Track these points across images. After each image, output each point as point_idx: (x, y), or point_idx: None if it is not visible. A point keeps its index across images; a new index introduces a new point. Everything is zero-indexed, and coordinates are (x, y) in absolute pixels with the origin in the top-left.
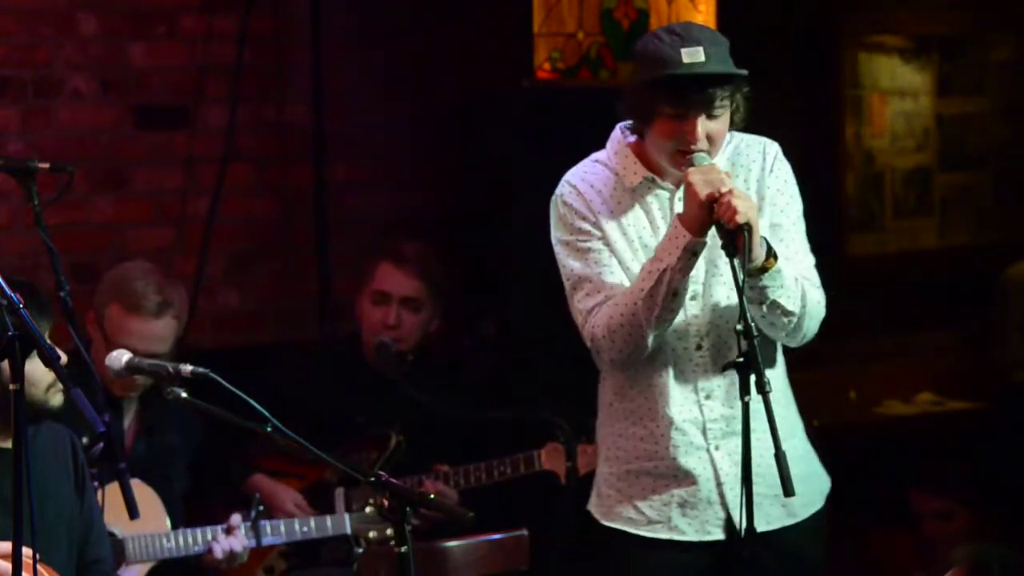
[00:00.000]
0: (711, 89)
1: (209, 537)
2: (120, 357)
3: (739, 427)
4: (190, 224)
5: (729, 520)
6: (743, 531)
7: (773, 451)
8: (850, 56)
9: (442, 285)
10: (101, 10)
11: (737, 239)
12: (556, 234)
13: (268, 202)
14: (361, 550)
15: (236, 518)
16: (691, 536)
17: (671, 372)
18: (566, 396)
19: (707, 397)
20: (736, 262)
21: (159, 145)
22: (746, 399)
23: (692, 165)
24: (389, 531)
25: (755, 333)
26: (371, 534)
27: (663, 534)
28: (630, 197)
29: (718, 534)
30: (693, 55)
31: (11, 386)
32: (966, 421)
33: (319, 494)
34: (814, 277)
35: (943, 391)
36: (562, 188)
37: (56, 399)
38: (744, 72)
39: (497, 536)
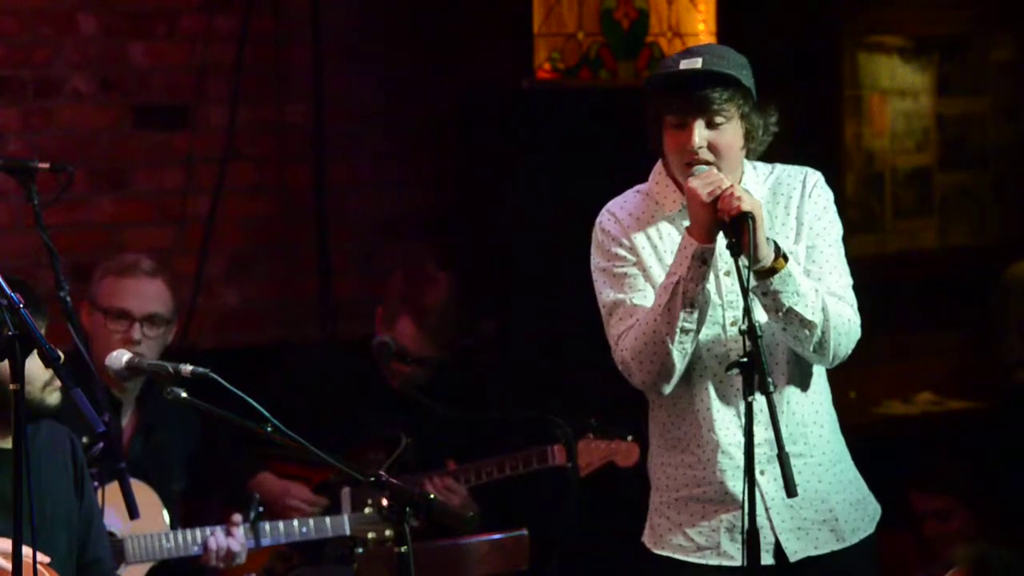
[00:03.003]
0: (704, 91)
1: (208, 536)
2: (120, 357)
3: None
4: (190, 224)
5: (778, 545)
6: (746, 533)
7: (786, 457)
8: (850, 56)
9: (455, 333)
10: (101, 10)
11: (742, 232)
12: (594, 261)
13: (268, 202)
14: (361, 550)
15: (237, 517)
16: (740, 561)
17: (713, 396)
18: (566, 396)
19: None
20: (742, 261)
21: (159, 145)
22: (749, 399)
23: (692, 176)
24: (388, 532)
25: (759, 332)
26: (370, 535)
27: (713, 560)
28: (668, 224)
29: (767, 559)
30: (690, 64)
31: (11, 386)
32: (966, 421)
33: (325, 495)
34: (848, 296)
35: (943, 391)
36: (601, 216)
37: (53, 397)
38: (735, 76)
39: (497, 536)
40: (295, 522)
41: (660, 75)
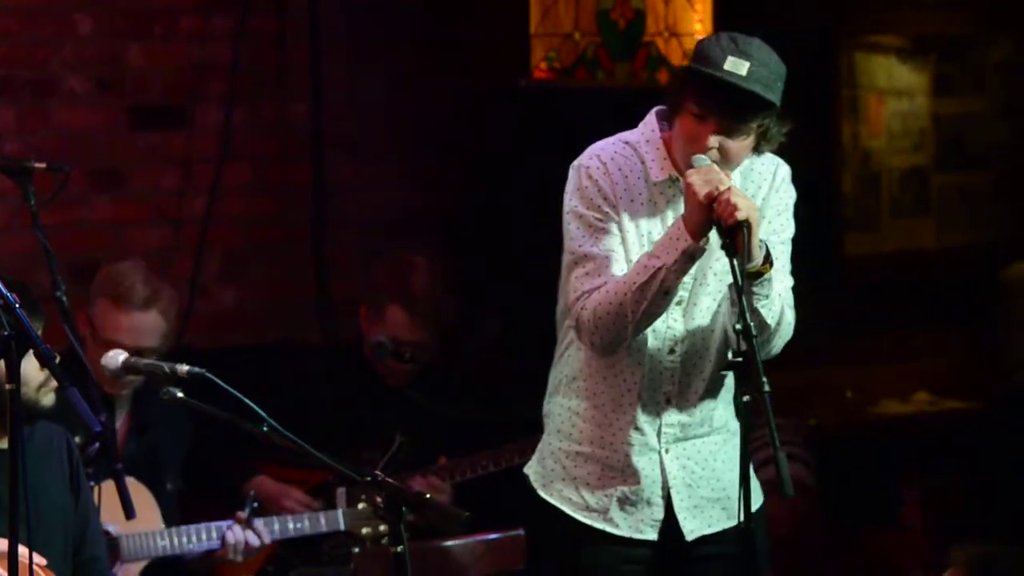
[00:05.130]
0: (737, 104)
1: (204, 535)
2: (116, 357)
3: (692, 433)
4: (187, 224)
5: (665, 522)
6: (741, 525)
7: (782, 457)
8: (847, 56)
9: (448, 316)
10: (98, 10)
11: (737, 237)
12: (571, 203)
13: (266, 202)
14: (358, 550)
15: (242, 513)
16: (624, 532)
17: (642, 371)
18: None
19: (667, 401)
20: (736, 261)
21: (156, 145)
22: (744, 399)
23: (691, 167)
24: (383, 527)
25: (754, 334)
26: (365, 530)
27: (598, 523)
28: (650, 191)
29: (651, 534)
30: (736, 65)
31: (7, 386)
32: (962, 420)
33: (321, 498)
34: (790, 299)
35: (939, 391)
36: (590, 160)
37: (47, 399)
38: (772, 101)
39: (493, 536)
40: (289, 518)
41: (697, 69)
